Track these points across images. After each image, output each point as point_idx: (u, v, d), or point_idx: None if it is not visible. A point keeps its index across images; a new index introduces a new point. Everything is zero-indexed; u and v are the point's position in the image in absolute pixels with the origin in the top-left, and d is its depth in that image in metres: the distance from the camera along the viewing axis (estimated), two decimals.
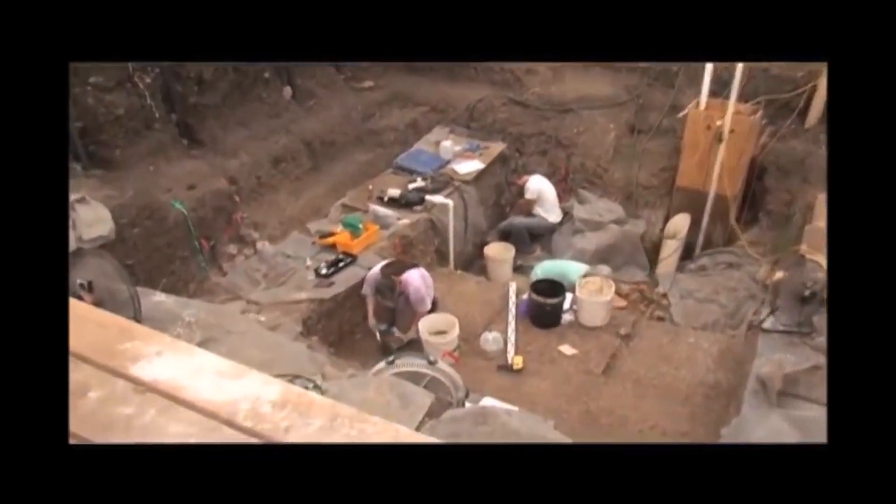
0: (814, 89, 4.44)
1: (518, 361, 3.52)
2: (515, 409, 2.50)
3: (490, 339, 3.66)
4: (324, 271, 3.89)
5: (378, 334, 3.79)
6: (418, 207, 4.67)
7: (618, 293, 4.10)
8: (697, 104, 4.53)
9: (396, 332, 3.87)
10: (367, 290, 3.80)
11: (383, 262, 3.78)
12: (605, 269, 4.59)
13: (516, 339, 3.74)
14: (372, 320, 3.80)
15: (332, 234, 4.25)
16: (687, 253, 4.90)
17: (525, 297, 4.02)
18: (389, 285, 3.56)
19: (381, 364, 2.71)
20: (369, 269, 3.88)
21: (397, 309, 3.76)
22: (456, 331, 3.63)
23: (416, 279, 3.66)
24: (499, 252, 5.01)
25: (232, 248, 4.07)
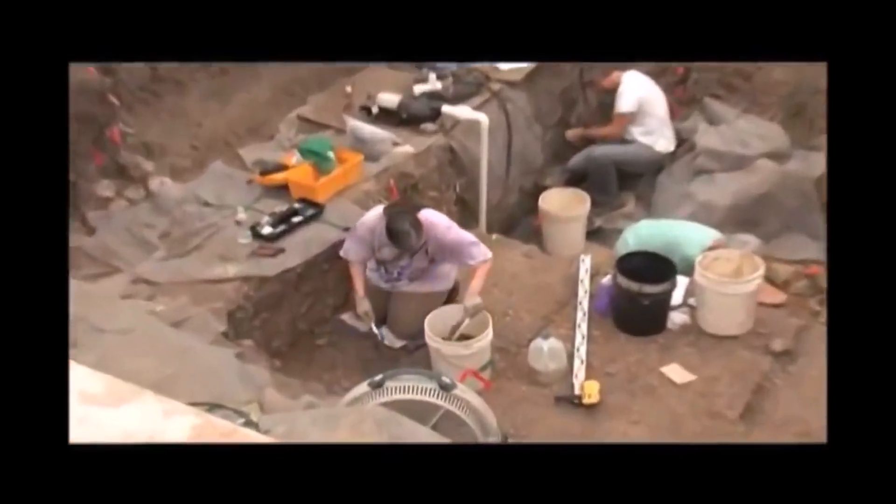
0: None
1: (591, 390, 3.52)
2: None
3: (545, 350, 3.65)
4: (267, 230, 3.92)
5: (375, 329, 3.85)
6: (430, 126, 4.65)
7: (769, 280, 4.05)
8: None
9: (386, 336, 3.93)
10: (353, 249, 3.85)
11: (383, 205, 3.83)
12: (748, 237, 4.50)
13: (589, 353, 3.76)
14: (364, 306, 3.85)
15: (282, 168, 4.27)
16: None
17: (606, 280, 4.01)
18: (412, 223, 3.61)
19: (362, 387, 2.74)
20: (346, 228, 3.92)
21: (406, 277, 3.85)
22: (488, 335, 3.64)
23: (442, 218, 3.84)
24: (564, 204, 5.03)
25: (105, 188, 4.05)
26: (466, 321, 3.69)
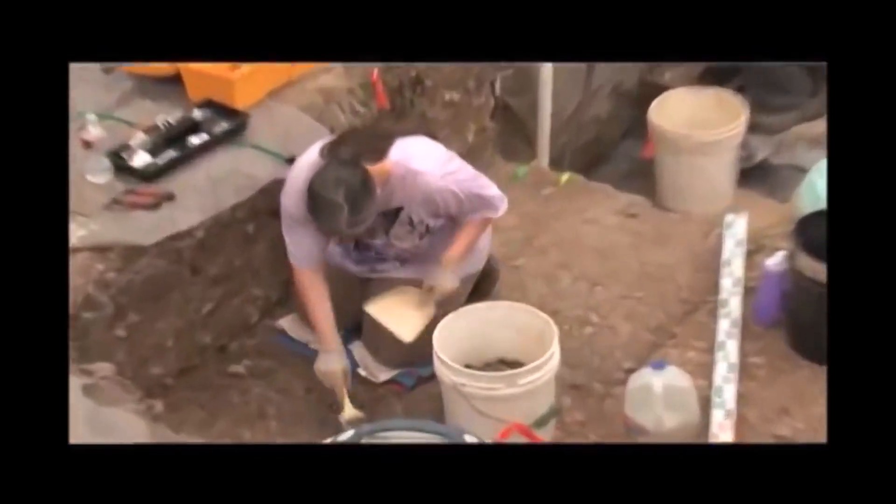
0: None
1: None
2: None
3: (658, 389, 3.62)
4: (141, 160, 3.93)
5: (347, 415, 3.83)
6: None
7: None
8: None
9: (362, 361, 3.99)
10: (295, 245, 3.82)
11: (330, 138, 3.79)
12: None
13: (742, 396, 3.73)
14: (325, 322, 3.85)
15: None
16: None
17: (775, 262, 3.97)
18: (352, 188, 3.49)
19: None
20: (290, 159, 3.91)
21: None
22: (551, 360, 3.62)
23: (433, 155, 3.80)
24: (697, 117, 5.15)
25: None
26: (427, 312, 3.75)
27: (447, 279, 3.73)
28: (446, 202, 3.70)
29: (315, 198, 3.44)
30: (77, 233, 3.64)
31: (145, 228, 3.72)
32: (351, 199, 3.41)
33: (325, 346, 3.79)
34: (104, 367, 3.42)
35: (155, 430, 3.12)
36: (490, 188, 3.78)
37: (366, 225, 3.56)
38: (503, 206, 3.83)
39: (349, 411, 3.75)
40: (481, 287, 4.01)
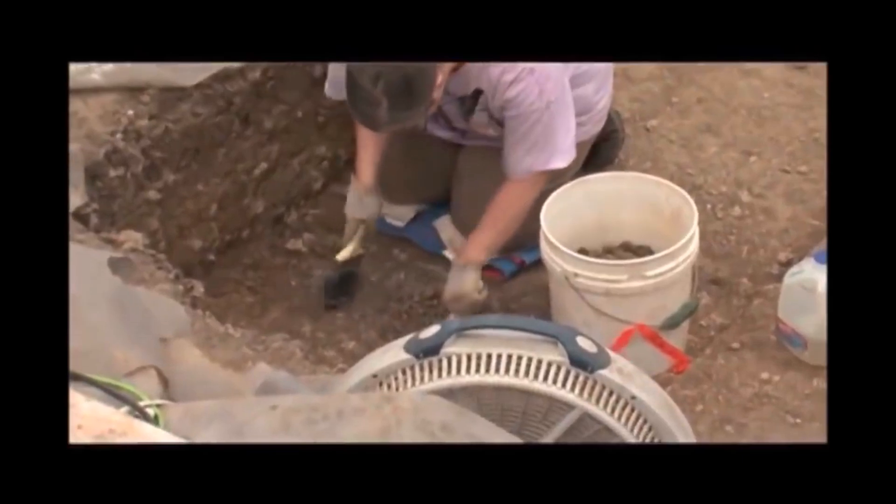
0: None
1: None
2: None
3: (823, 288, 3.56)
4: None
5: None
6: None
7: None
8: None
9: (455, 246, 4.07)
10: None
11: None
12: None
13: None
14: (366, 154, 3.91)
15: None
16: None
17: None
18: (410, 75, 3.43)
19: (392, 351, 2.76)
20: None
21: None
22: (691, 246, 3.66)
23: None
24: None
25: None
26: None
27: (465, 283, 3.76)
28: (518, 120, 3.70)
29: (351, 80, 3.41)
30: (102, 66, 3.69)
31: (187, 65, 3.76)
32: (393, 93, 3.38)
33: (356, 181, 3.89)
34: (133, 237, 3.48)
35: (196, 318, 3.18)
36: (567, 136, 3.75)
37: (415, 119, 3.57)
38: (562, 163, 3.77)
39: (344, 252, 3.90)
40: (601, 153, 4.07)
